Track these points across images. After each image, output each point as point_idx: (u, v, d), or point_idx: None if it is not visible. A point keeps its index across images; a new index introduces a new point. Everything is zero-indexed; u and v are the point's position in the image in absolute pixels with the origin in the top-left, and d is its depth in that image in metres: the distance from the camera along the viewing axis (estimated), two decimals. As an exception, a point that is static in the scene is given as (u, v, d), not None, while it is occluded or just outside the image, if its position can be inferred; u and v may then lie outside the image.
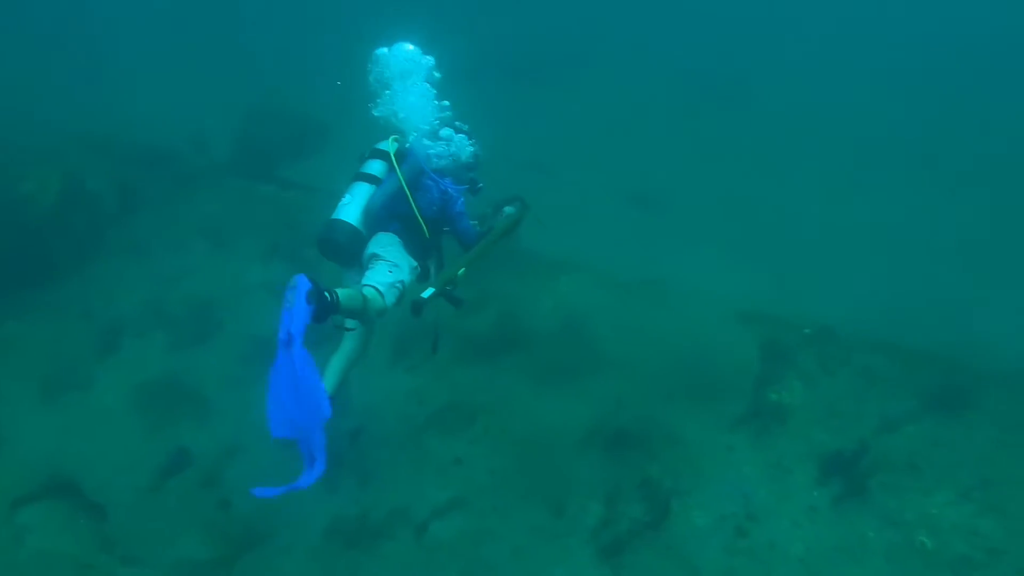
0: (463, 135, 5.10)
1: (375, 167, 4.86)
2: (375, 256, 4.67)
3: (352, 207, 4.76)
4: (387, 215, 4.74)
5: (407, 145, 4.95)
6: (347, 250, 4.77)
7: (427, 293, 4.39)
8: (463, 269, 4.61)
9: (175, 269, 7.94)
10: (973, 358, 6.59)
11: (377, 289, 4.41)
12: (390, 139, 4.96)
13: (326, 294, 3.92)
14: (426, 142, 4.97)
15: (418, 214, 4.69)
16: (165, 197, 9.08)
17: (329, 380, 4.50)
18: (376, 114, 5.07)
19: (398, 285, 4.58)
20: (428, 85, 5.05)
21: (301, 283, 3.79)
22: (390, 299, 4.49)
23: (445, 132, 5.02)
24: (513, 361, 6.57)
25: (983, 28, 21.12)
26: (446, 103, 5.11)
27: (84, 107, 10.86)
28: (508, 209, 5.34)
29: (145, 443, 6.04)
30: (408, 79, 4.99)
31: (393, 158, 4.79)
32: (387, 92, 5.03)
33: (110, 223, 8.58)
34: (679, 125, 13.79)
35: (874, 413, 5.98)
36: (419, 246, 4.81)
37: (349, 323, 4.66)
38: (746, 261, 8.87)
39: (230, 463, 5.91)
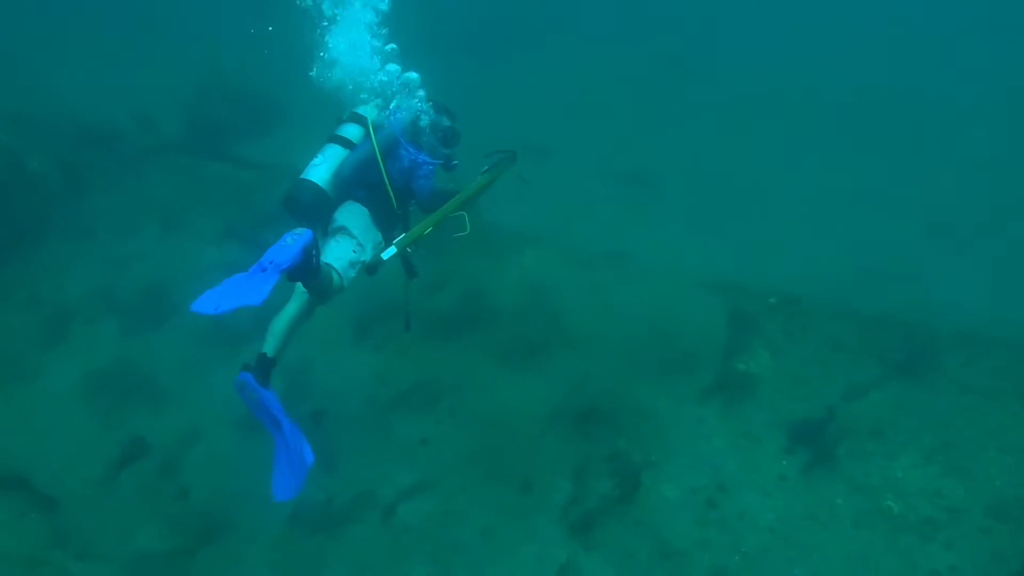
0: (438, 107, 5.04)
1: (351, 131, 4.72)
2: (342, 230, 4.56)
3: (322, 169, 4.60)
4: (356, 182, 4.62)
5: (387, 113, 4.86)
6: (312, 211, 4.60)
7: (387, 254, 4.23)
8: (429, 229, 4.42)
9: (125, 252, 7.66)
10: (932, 322, 6.64)
11: (336, 270, 4.35)
12: (371, 104, 4.87)
13: (315, 259, 3.91)
14: (402, 106, 4.92)
15: (388, 184, 4.58)
16: (112, 178, 8.73)
17: (270, 342, 4.28)
18: (311, 75, 4.97)
19: (358, 264, 4.50)
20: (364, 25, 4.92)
21: (307, 235, 3.81)
22: (347, 279, 4.43)
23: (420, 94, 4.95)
24: (478, 338, 6.46)
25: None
26: (392, 47, 4.93)
27: (19, 84, 10.35)
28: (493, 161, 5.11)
29: (98, 433, 5.84)
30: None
31: (370, 125, 4.67)
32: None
33: (54, 205, 8.22)
34: (644, 97, 13.71)
35: (840, 380, 5.99)
36: (386, 217, 4.72)
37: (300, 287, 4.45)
38: (709, 232, 8.87)
39: (188, 451, 5.75)
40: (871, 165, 11.71)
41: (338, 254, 4.43)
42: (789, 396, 5.88)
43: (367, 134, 4.67)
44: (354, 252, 4.48)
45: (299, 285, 4.31)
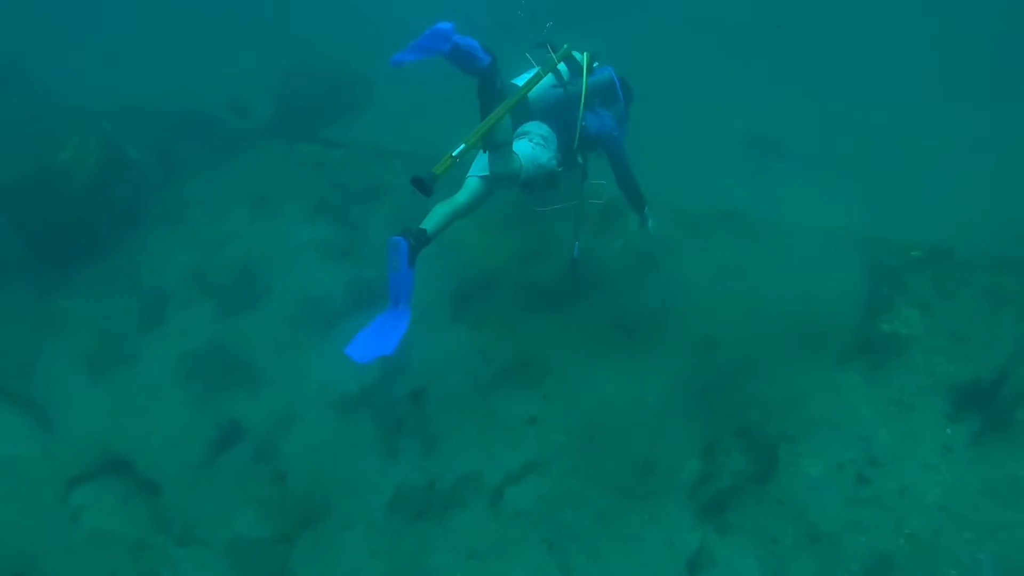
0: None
1: (560, 65, 4.89)
2: (529, 134, 4.73)
3: (523, 79, 4.65)
4: (553, 111, 4.84)
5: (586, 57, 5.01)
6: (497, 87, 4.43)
7: (457, 150, 3.93)
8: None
9: (218, 235, 7.52)
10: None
11: (520, 158, 4.51)
12: (584, 53, 5.01)
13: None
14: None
15: (579, 127, 4.79)
16: (206, 163, 8.66)
17: (432, 221, 4.39)
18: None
19: (540, 166, 4.62)
20: None
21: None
22: (526, 172, 4.55)
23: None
24: (585, 309, 5.93)
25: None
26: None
27: (120, 73, 10.48)
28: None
29: (195, 416, 5.67)
30: None
31: (585, 67, 4.87)
32: None
33: (152, 192, 8.20)
34: (746, 55, 12.73)
35: (1008, 337, 5.15)
36: (566, 148, 4.86)
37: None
38: (834, 187, 7.95)
39: (284, 434, 5.48)
40: (1000, 109, 10.41)
41: (524, 149, 4.58)
42: (948, 357, 5.09)
43: (580, 74, 4.86)
44: (533, 146, 4.63)
45: (472, 178, 4.57)
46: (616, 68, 5.27)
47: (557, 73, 4.83)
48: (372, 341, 4.17)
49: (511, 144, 4.52)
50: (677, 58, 12.49)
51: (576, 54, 4.99)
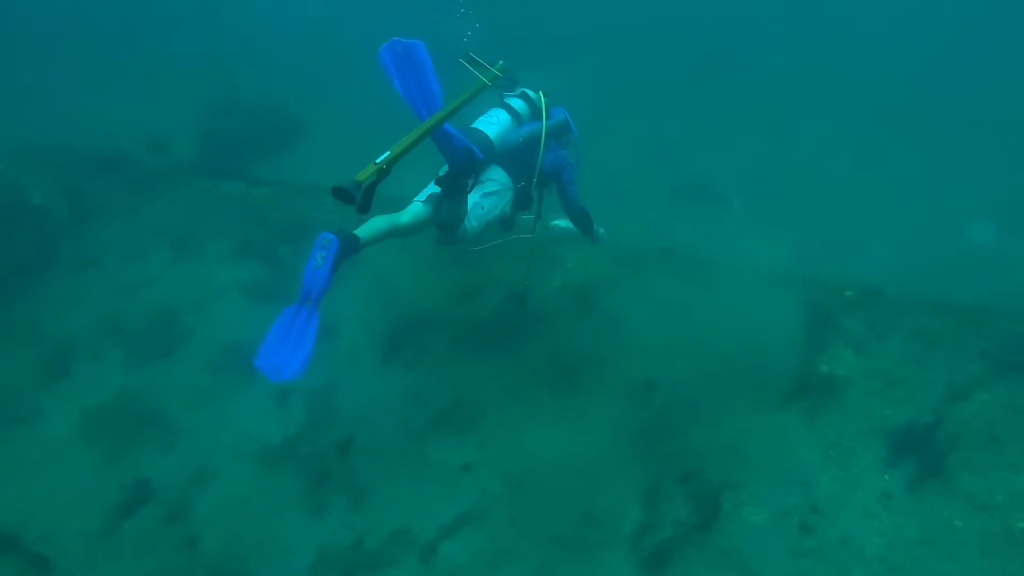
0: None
1: (519, 105, 5.10)
2: (480, 184, 4.81)
3: (494, 128, 4.85)
4: (514, 153, 4.93)
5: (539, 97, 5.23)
6: (464, 168, 4.51)
7: (382, 158, 3.82)
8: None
9: (133, 280, 7.07)
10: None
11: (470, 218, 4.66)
12: (539, 92, 5.25)
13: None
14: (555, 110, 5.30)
15: (539, 167, 4.95)
16: (122, 204, 8.19)
17: (366, 230, 4.32)
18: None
19: (484, 221, 4.79)
20: None
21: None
22: (471, 229, 4.71)
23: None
24: (522, 350, 5.75)
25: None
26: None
27: (23, 116, 9.96)
28: None
29: (98, 478, 5.20)
30: None
31: (543, 108, 5.06)
32: None
33: (60, 236, 7.71)
34: (678, 97, 13.00)
35: (939, 380, 5.18)
36: (523, 193, 5.03)
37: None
38: (767, 226, 8.07)
39: (199, 493, 5.09)
40: (926, 151, 10.85)
41: (475, 204, 4.70)
42: (883, 399, 5.09)
43: (538, 114, 5.07)
44: (483, 209, 4.74)
45: (417, 203, 4.59)
46: (565, 106, 5.46)
47: (516, 114, 5.00)
48: (281, 349, 3.93)
49: (466, 198, 4.64)
50: (618, 97, 12.71)
51: (531, 93, 5.21)
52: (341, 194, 3.58)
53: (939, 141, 11.52)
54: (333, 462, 5.18)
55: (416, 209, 4.59)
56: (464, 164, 4.35)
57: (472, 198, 4.69)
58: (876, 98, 12.83)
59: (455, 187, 4.47)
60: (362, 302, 6.40)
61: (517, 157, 4.94)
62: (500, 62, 4.97)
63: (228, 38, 12.91)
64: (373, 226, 4.33)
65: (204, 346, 6.30)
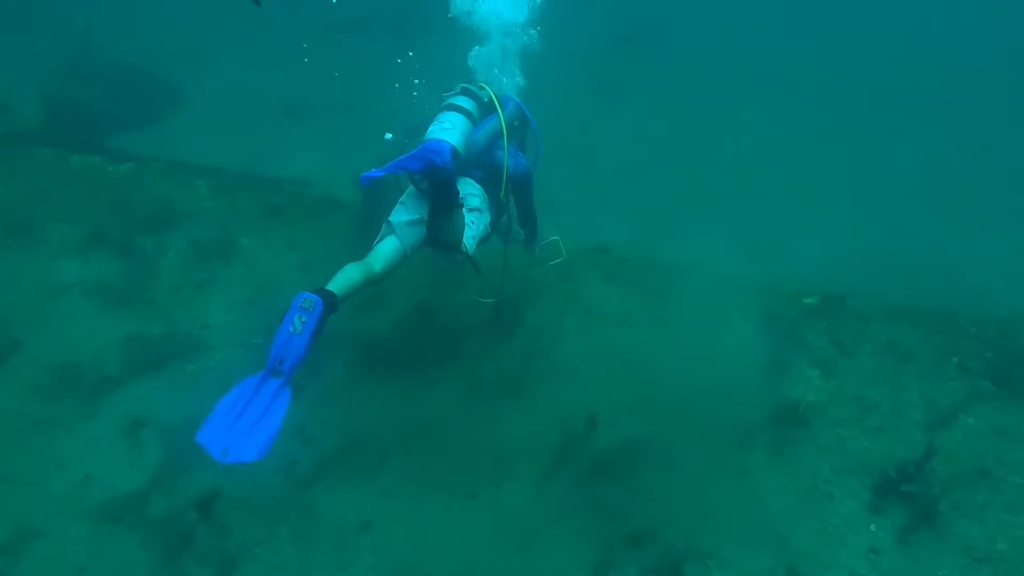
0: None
1: (468, 103, 4.40)
2: (464, 199, 4.21)
3: (454, 133, 4.17)
4: (476, 162, 4.42)
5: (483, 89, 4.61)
6: (448, 178, 3.85)
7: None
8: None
9: (-54, 274, 5.67)
10: (1006, 316, 5.29)
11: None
12: (476, 84, 4.64)
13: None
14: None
15: (506, 169, 4.38)
16: (-60, 177, 6.71)
17: (340, 283, 3.74)
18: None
19: (479, 238, 4.26)
20: None
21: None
22: (472, 250, 4.14)
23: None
24: (433, 372, 4.75)
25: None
26: None
27: None
28: None
29: None
30: None
31: (496, 100, 4.49)
32: None
33: None
34: (595, 75, 12.16)
35: (917, 402, 4.55)
36: (493, 204, 4.49)
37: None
38: (705, 225, 7.31)
39: (14, 561, 3.88)
40: (864, 145, 10.39)
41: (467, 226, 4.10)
42: (858, 429, 4.40)
43: (490, 108, 4.48)
44: (472, 223, 4.17)
45: (386, 243, 4.05)
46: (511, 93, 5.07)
47: (468, 113, 4.34)
48: (236, 424, 3.31)
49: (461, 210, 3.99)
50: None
51: (472, 88, 4.57)
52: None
53: (868, 128, 11.13)
54: (195, 521, 4.06)
55: (386, 252, 4.03)
56: (450, 176, 3.73)
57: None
58: (830, 97, 12.37)
59: (448, 201, 3.80)
60: (236, 309, 5.27)
61: (483, 163, 4.45)
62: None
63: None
64: (347, 279, 3.78)
65: (34, 363, 5.01)
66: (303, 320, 3.45)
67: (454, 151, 4.07)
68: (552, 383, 4.56)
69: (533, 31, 5.82)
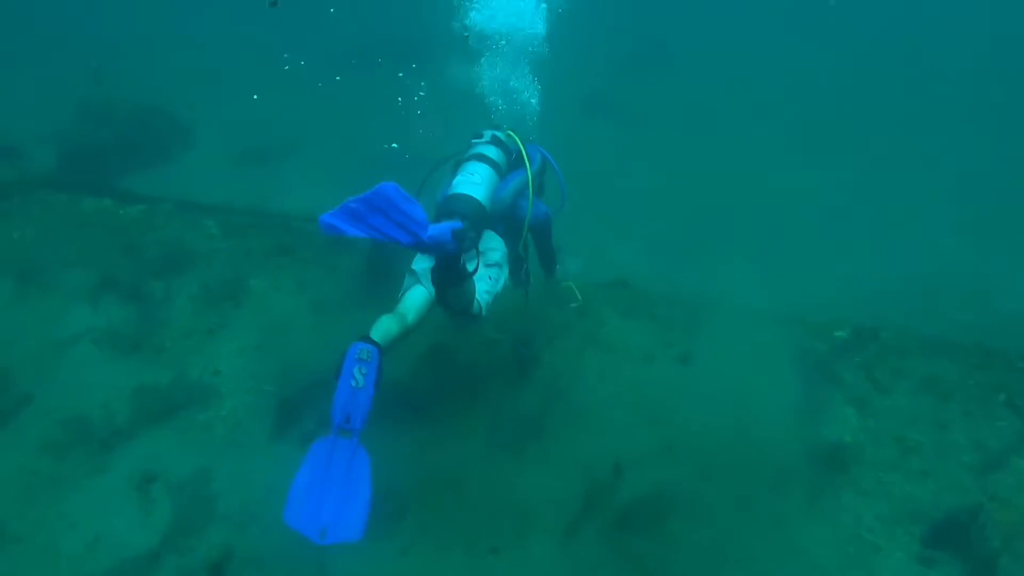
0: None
1: (496, 153, 4.32)
2: (481, 254, 4.10)
3: (482, 189, 4.08)
4: (500, 215, 4.29)
5: (511, 138, 4.52)
6: (474, 234, 3.99)
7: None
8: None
9: (-43, 324, 5.58)
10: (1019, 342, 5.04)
11: (478, 299, 3.88)
12: (504, 130, 4.55)
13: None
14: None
15: (528, 221, 4.33)
16: (-47, 225, 6.66)
17: (382, 333, 3.65)
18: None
19: (492, 293, 4.06)
20: None
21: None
22: (486, 308, 3.98)
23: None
24: (449, 418, 4.57)
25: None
26: None
27: None
28: None
29: None
30: None
31: (524, 152, 4.36)
32: None
33: None
34: (605, 96, 12.05)
35: (962, 444, 4.30)
36: (514, 255, 4.39)
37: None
38: (724, 253, 7.12)
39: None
40: (882, 164, 10.16)
41: (478, 282, 3.92)
42: (902, 473, 4.15)
43: (517, 160, 4.40)
44: (491, 278, 4.07)
45: (414, 293, 4.03)
46: (534, 137, 4.91)
47: (496, 165, 4.25)
48: (325, 501, 3.18)
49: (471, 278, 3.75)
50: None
51: (501, 135, 4.48)
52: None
53: (884, 146, 10.92)
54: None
55: (416, 302, 4.01)
56: (457, 251, 3.45)
57: (481, 274, 4.03)
58: (819, 107, 12.18)
59: (455, 275, 3.57)
60: (247, 354, 5.13)
61: (505, 216, 4.35)
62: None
63: (103, 20, 11.25)
64: (386, 331, 3.70)
65: (45, 417, 4.88)
66: (363, 372, 3.37)
67: (478, 208, 4.02)
68: (574, 427, 4.36)
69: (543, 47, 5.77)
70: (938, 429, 4.37)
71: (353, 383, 3.34)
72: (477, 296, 3.88)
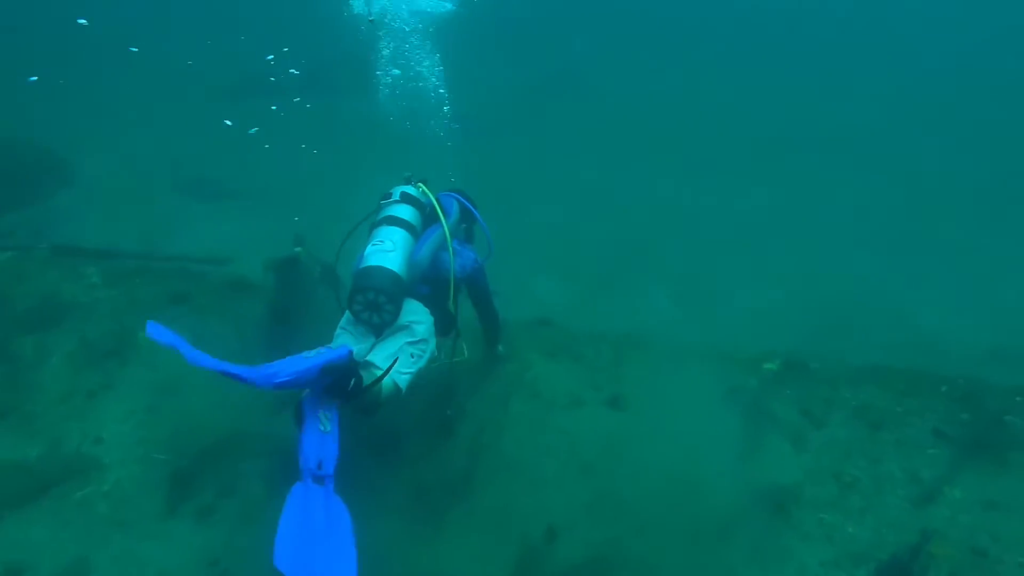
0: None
1: (408, 213, 4.10)
2: (404, 329, 3.90)
3: (395, 256, 3.85)
4: (423, 277, 4.12)
5: (423, 192, 4.31)
6: (391, 307, 3.80)
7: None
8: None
9: None
10: (971, 370, 5.06)
11: (396, 382, 3.70)
12: (414, 183, 4.33)
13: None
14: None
15: (453, 280, 4.10)
16: None
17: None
18: None
19: (414, 373, 3.84)
20: None
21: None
22: (404, 385, 3.76)
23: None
24: (366, 481, 4.16)
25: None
26: None
27: None
28: None
29: None
30: None
31: (438, 206, 4.20)
32: None
33: None
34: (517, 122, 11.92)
35: (897, 476, 4.21)
36: (441, 319, 4.13)
37: None
38: (646, 283, 6.99)
39: None
40: (795, 187, 10.36)
41: (401, 359, 3.74)
42: (842, 513, 4.01)
43: (433, 217, 4.19)
44: (413, 356, 3.84)
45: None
46: (454, 181, 4.81)
47: (410, 227, 4.03)
48: (315, 551, 3.00)
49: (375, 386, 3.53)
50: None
51: (411, 190, 4.24)
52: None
53: (797, 168, 11.16)
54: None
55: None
56: (350, 386, 3.36)
57: (394, 344, 3.81)
58: (731, 131, 12.40)
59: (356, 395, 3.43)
60: (135, 418, 4.60)
61: (428, 277, 4.13)
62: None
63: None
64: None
65: None
66: (328, 417, 3.35)
67: (394, 279, 3.77)
68: (503, 485, 4.03)
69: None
70: (872, 463, 4.27)
71: (321, 428, 3.29)
72: (394, 378, 3.67)
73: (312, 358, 3.18)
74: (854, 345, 5.83)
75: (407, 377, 3.77)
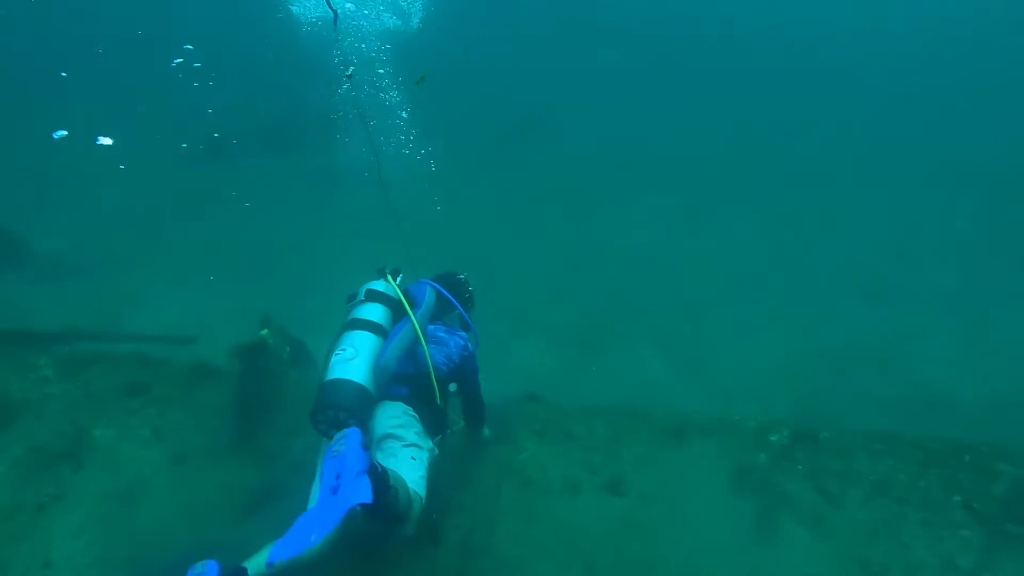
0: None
1: (373, 312, 3.98)
2: (391, 437, 3.67)
3: (358, 363, 3.72)
4: (398, 376, 3.88)
5: (398, 281, 4.18)
6: (355, 419, 3.63)
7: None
8: None
9: None
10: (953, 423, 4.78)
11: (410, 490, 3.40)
12: (385, 277, 4.19)
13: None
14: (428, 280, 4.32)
15: (433, 375, 3.85)
16: None
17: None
18: None
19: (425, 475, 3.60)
20: None
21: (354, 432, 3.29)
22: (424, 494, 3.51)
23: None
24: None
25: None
26: None
27: None
28: None
29: None
30: None
31: (404, 300, 4.01)
32: None
33: None
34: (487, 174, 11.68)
35: (930, 563, 3.84)
36: (431, 417, 3.89)
37: None
38: (633, 342, 6.66)
39: None
40: (777, 230, 10.14)
41: (407, 475, 3.45)
42: (872, 608, 3.64)
43: (400, 313, 3.99)
44: (414, 460, 3.60)
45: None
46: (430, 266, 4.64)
47: (376, 327, 3.91)
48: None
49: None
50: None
51: (379, 287, 4.11)
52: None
53: (776, 210, 10.97)
54: None
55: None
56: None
57: (402, 459, 3.56)
58: (704, 174, 12.23)
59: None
60: (89, 533, 4.15)
61: (406, 375, 3.89)
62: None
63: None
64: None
65: None
66: (340, 449, 3.20)
67: (361, 392, 3.58)
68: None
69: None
70: (901, 548, 3.91)
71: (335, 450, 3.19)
72: (411, 490, 3.39)
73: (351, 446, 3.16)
74: (856, 404, 5.51)
75: (421, 483, 3.53)
